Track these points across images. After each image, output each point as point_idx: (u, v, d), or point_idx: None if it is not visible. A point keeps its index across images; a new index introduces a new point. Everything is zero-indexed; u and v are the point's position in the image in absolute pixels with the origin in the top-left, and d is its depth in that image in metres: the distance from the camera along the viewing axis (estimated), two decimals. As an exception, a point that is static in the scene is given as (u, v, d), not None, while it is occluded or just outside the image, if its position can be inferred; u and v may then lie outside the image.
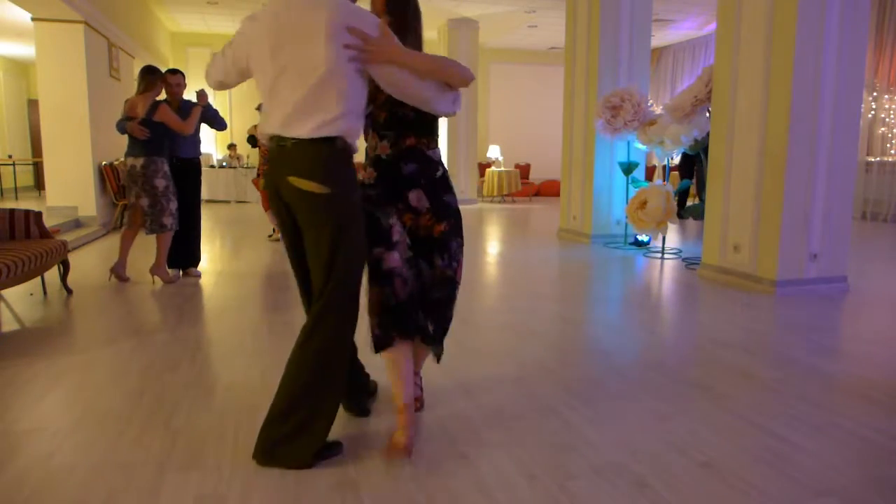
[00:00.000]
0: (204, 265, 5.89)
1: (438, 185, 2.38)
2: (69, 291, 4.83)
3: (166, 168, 5.08)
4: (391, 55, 2.07)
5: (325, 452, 2.23)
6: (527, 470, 2.19)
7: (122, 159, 8.61)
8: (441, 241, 2.37)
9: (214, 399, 2.83)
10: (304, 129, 2.07)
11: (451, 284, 2.42)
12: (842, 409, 2.76)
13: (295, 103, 2.07)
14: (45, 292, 4.83)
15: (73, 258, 5.60)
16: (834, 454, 2.33)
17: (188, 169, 5.36)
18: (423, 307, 2.34)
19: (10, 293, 4.69)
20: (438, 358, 2.54)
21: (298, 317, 4.27)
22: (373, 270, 2.28)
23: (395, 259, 2.26)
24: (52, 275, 4.93)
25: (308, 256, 2.23)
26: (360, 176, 2.34)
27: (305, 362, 2.18)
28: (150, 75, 5.08)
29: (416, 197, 2.33)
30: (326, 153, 2.09)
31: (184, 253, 5.43)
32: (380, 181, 2.35)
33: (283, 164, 2.12)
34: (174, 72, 5.39)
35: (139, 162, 4.98)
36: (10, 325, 4.06)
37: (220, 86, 2.40)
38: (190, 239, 5.42)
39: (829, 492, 2.07)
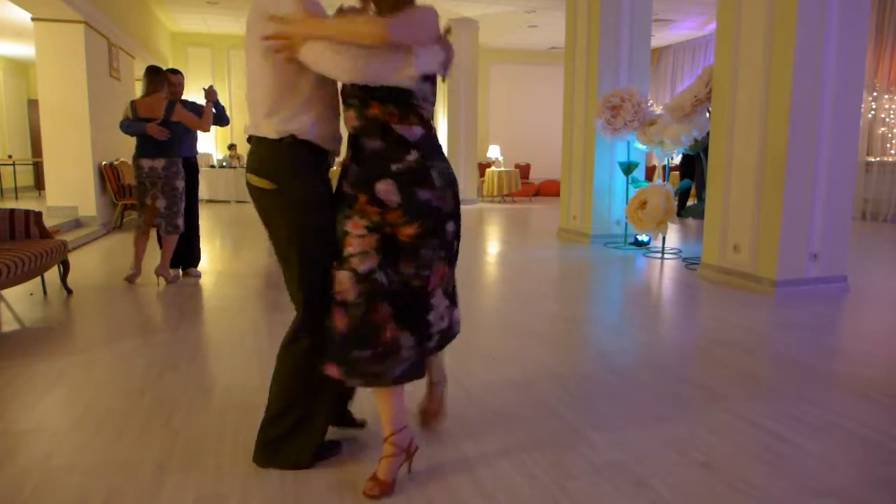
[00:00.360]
0: (204, 265, 5.89)
1: (412, 174, 1.98)
2: (69, 291, 4.83)
3: (182, 169, 5.10)
4: (307, 32, 1.87)
5: (325, 452, 2.23)
6: (527, 470, 2.19)
7: (122, 160, 8.47)
8: (411, 246, 2.00)
9: (214, 399, 2.83)
10: (252, 127, 2.08)
11: (420, 296, 2.04)
12: (842, 409, 2.76)
13: (248, 102, 2.10)
14: (45, 292, 4.83)
15: (73, 258, 5.60)
16: (834, 454, 2.33)
17: (187, 169, 5.36)
18: (395, 315, 2.00)
19: (10, 293, 4.69)
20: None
21: (298, 317, 4.28)
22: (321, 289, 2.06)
23: (343, 281, 1.98)
24: (52, 275, 4.93)
25: None
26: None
27: (295, 364, 2.16)
28: (157, 75, 5.05)
29: (384, 188, 1.97)
30: (269, 148, 2.02)
31: (184, 253, 5.42)
32: (349, 162, 2.06)
33: (249, 160, 2.13)
34: (175, 71, 5.39)
35: (159, 163, 4.95)
36: (10, 325, 4.06)
37: None
38: (190, 238, 5.43)
39: (829, 492, 2.07)
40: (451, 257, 2.14)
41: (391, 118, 1.98)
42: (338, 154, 2.17)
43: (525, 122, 15.41)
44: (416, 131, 2.01)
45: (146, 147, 4.94)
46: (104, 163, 8.40)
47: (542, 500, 2.02)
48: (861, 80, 4.98)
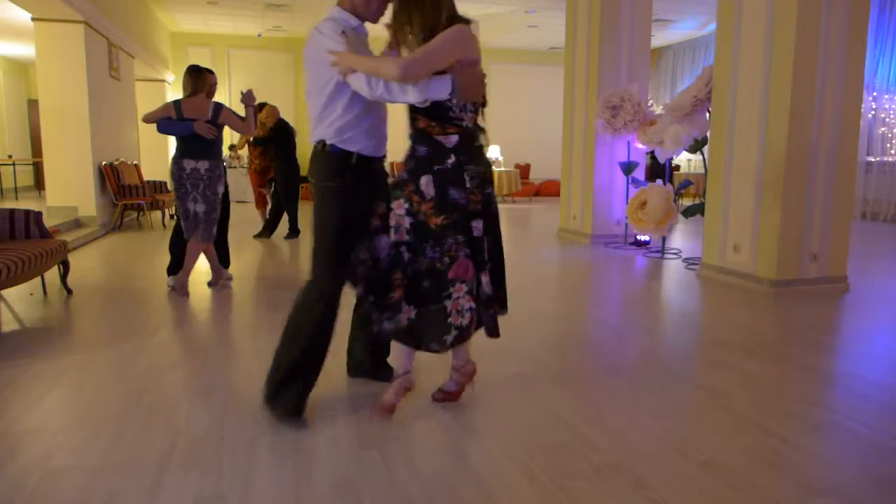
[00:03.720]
0: (203, 265, 5.89)
1: (447, 175, 2.41)
2: (69, 291, 4.83)
3: (224, 174, 4.93)
4: (349, 64, 2.33)
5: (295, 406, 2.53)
6: (527, 470, 2.19)
7: (122, 160, 8.43)
8: (437, 234, 2.41)
9: (214, 399, 2.83)
10: (316, 133, 2.53)
11: (439, 278, 2.42)
12: (841, 409, 2.76)
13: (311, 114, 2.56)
14: (45, 292, 4.83)
15: (73, 258, 5.60)
16: (834, 454, 2.33)
17: None
18: (409, 293, 2.45)
19: (10, 293, 4.68)
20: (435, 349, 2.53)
21: (298, 317, 4.27)
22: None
23: (381, 250, 2.51)
24: (52, 275, 4.92)
25: None
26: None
27: (315, 325, 2.51)
28: (199, 74, 4.83)
29: (426, 182, 2.42)
30: (312, 152, 2.57)
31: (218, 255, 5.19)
32: (408, 157, 2.50)
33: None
34: (210, 71, 5.14)
35: (203, 165, 4.72)
36: (10, 325, 4.06)
37: None
38: (222, 242, 5.25)
39: (829, 492, 2.07)
40: (479, 257, 2.46)
41: (432, 130, 2.42)
42: (380, 154, 2.58)
43: (525, 122, 15.40)
44: (453, 139, 2.42)
45: (190, 148, 4.71)
46: (104, 163, 8.40)
47: (543, 500, 2.02)
48: (861, 80, 4.98)
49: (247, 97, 5.00)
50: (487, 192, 2.50)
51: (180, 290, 4.80)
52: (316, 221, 2.53)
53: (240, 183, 12.22)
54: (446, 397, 2.74)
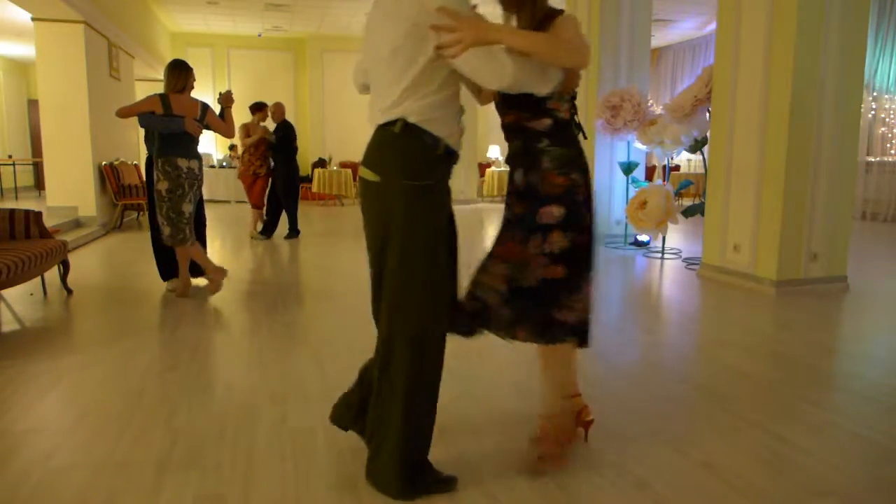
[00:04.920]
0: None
1: (532, 160, 2.14)
2: (69, 291, 4.83)
3: None
4: (489, 37, 1.82)
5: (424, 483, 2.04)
6: (527, 470, 2.19)
7: (122, 160, 8.39)
8: (518, 219, 2.16)
9: (214, 399, 2.83)
10: (378, 118, 1.97)
11: (544, 278, 2.10)
12: (842, 409, 2.76)
13: (378, 92, 1.99)
14: (45, 292, 4.83)
15: (73, 258, 5.60)
16: (834, 454, 2.33)
17: None
18: (511, 294, 2.13)
19: (10, 293, 4.68)
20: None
21: (298, 317, 4.28)
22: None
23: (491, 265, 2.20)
24: (52, 275, 4.92)
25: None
26: None
27: (391, 394, 1.96)
28: (183, 70, 4.61)
29: (519, 175, 2.18)
30: (381, 138, 1.95)
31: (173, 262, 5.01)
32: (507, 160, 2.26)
33: (365, 152, 2.03)
34: (192, 69, 4.98)
35: (195, 164, 4.58)
36: (10, 325, 4.06)
37: (364, 88, 2.22)
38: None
39: (829, 492, 2.07)
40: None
41: (526, 120, 2.14)
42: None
43: (525, 122, 15.40)
44: (545, 122, 2.13)
45: (179, 146, 4.49)
46: (104, 163, 8.40)
47: (543, 500, 2.02)
48: (861, 80, 4.98)
49: (225, 98, 4.90)
50: (576, 181, 2.12)
51: (183, 292, 4.73)
52: (401, 243, 1.92)
53: (240, 183, 12.20)
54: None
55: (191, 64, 4.85)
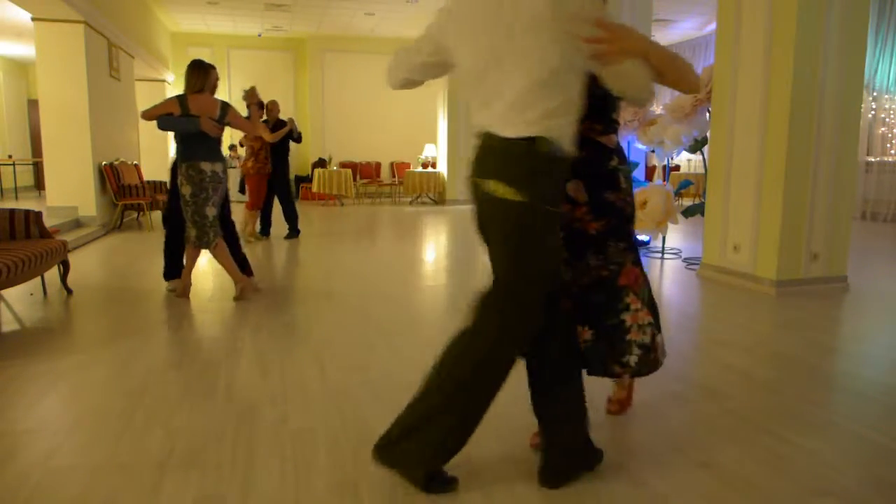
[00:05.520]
0: (203, 265, 5.89)
1: (604, 178, 2.16)
2: (69, 291, 4.83)
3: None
4: (638, 48, 1.82)
5: (436, 482, 2.03)
6: (527, 470, 2.19)
7: (122, 160, 8.37)
8: (597, 239, 2.18)
9: (214, 399, 2.83)
10: (512, 128, 1.87)
11: (610, 289, 2.19)
12: (841, 409, 2.76)
13: (509, 98, 1.86)
14: (45, 292, 4.82)
15: (73, 258, 5.60)
16: (834, 454, 2.33)
17: None
18: (580, 313, 2.19)
19: (10, 293, 4.68)
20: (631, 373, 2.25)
21: (298, 317, 4.28)
22: None
23: None
24: (52, 275, 4.92)
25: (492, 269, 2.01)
26: None
27: (457, 365, 1.97)
28: (203, 70, 4.56)
29: (573, 187, 2.14)
30: (527, 155, 1.85)
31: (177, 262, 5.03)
32: None
33: (486, 163, 1.96)
34: (213, 67, 4.88)
35: (219, 167, 4.52)
36: (10, 325, 4.06)
37: (406, 84, 2.22)
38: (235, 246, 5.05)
39: (829, 492, 2.07)
40: (640, 262, 2.28)
41: (594, 132, 2.14)
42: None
43: (525, 122, 15.40)
44: (614, 139, 2.20)
45: (202, 149, 4.46)
46: (104, 163, 8.40)
47: (543, 500, 2.02)
48: (861, 80, 4.98)
49: (249, 95, 4.86)
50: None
51: (183, 293, 4.72)
52: (519, 257, 1.92)
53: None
54: (621, 409, 2.67)
55: (191, 64, 4.81)
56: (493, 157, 1.93)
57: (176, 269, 4.92)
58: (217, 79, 4.72)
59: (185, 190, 4.47)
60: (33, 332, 3.97)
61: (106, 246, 7.33)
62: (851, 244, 5.17)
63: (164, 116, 4.47)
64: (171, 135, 4.73)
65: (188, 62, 4.64)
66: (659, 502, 2.00)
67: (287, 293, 5.03)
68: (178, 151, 4.54)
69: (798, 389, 2.96)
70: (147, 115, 4.57)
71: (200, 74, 4.53)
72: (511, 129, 1.86)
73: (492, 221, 1.97)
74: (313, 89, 14.21)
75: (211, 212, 4.53)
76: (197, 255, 4.72)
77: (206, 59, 4.72)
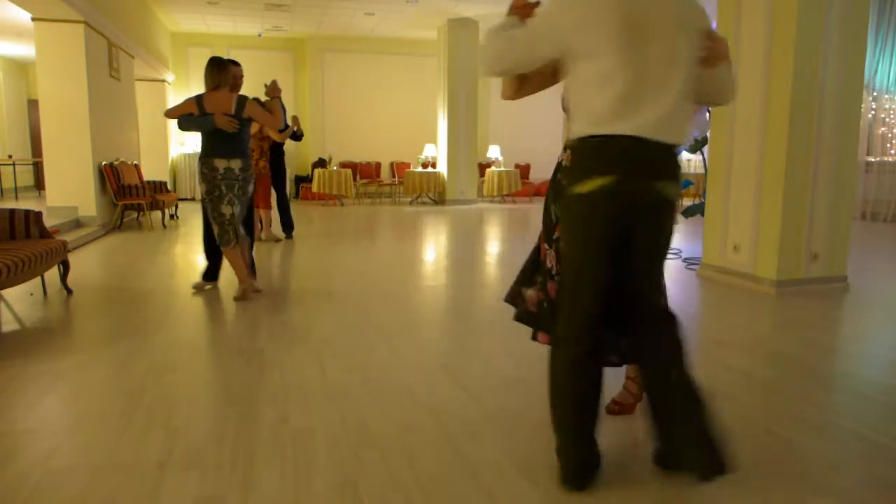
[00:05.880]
0: (203, 264, 5.88)
1: None
2: (69, 291, 4.83)
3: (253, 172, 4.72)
4: (728, 52, 2.06)
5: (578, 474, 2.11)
6: (527, 470, 2.19)
7: (122, 160, 8.37)
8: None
9: (214, 399, 2.83)
10: (675, 134, 1.99)
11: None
12: (841, 409, 2.76)
13: (668, 104, 1.94)
14: (45, 292, 4.83)
15: (73, 258, 5.60)
16: (834, 454, 2.33)
17: None
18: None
19: (10, 293, 4.68)
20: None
21: (297, 317, 4.28)
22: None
23: (553, 257, 2.30)
24: (52, 275, 4.92)
25: (636, 265, 2.08)
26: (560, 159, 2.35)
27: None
28: (220, 67, 4.54)
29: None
30: (677, 160, 2.06)
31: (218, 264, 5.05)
32: (566, 161, 2.36)
33: (648, 167, 1.96)
34: (235, 63, 4.94)
35: (236, 164, 4.47)
36: (10, 325, 4.06)
37: (508, 73, 2.25)
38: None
39: (830, 492, 2.07)
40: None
41: None
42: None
43: (525, 122, 15.40)
44: None
45: (218, 146, 4.45)
46: (104, 163, 8.40)
47: (542, 501, 2.02)
48: (861, 80, 4.98)
49: (272, 88, 4.85)
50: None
51: (249, 293, 4.68)
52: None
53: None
54: (622, 409, 2.70)
55: (191, 64, 4.83)
56: (660, 161, 1.98)
57: (214, 270, 4.99)
58: (239, 75, 4.69)
59: (202, 187, 4.55)
60: (33, 332, 3.97)
61: (106, 246, 7.33)
62: (851, 244, 5.17)
63: (183, 117, 4.50)
64: (184, 134, 4.81)
65: (188, 62, 4.67)
66: (657, 501, 2.00)
67: (287, 293, 5.03)
68: (201, 150, 4.60)
69: (798, 389, 2.96)
70: (169, 114, 4.62)
71: (214, 72, 4.53)
72: (665, 135, 1.95)
73: (666, 223, 2.06)
74: (313, 89, 14.21)
75: (227, 210, 4.49)
76: (235, 254, 4.60)
77: (206, 60, 4.71)
